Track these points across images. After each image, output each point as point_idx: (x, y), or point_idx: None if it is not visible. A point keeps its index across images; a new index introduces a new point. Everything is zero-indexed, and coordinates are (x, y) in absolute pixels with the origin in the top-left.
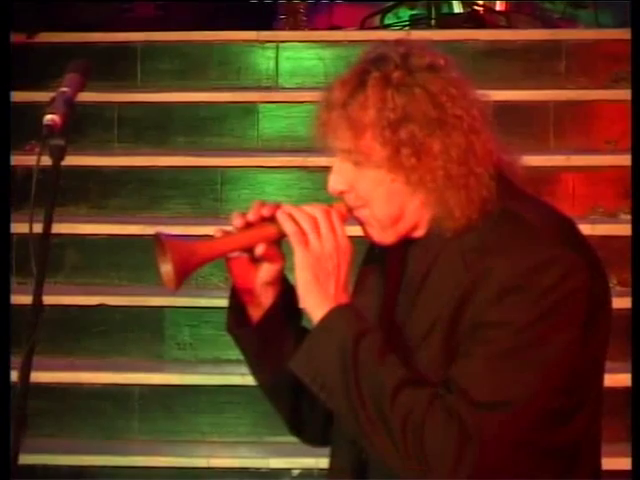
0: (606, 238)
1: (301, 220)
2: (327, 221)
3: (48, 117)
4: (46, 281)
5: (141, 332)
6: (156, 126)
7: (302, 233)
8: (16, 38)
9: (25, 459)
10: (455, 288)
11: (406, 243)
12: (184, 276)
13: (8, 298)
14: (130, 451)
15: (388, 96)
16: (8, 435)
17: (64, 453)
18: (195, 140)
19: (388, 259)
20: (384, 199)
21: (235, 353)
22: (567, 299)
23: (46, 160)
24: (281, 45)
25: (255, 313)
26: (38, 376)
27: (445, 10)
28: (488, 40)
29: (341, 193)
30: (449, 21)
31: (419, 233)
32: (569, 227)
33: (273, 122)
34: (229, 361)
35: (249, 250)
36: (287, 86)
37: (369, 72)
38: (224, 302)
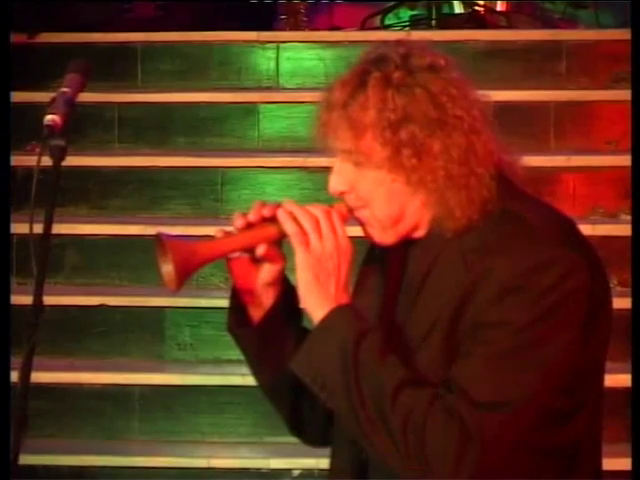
0: (606, 238)
1: (302, 220)
2: (328, 221)
3: (48, 117)
4: (46, 281)
5: (141, 332)
6: (156, 126)
7: (303, 233)
8: (17, 38)
9: (25, 459)
10: (455, 288)
11: (406, 243)
12: (185, 276)
13: (8, 298)
14: (130, 451)
15: (388, 96)
16: (8, 435)
17: (64, 453)
18: (195, 140)
19: (388, 259)
20: (385, 199)
21: (236, 353)
22: (567, 299)
23: (46, 160)
24: (281, 45)
25: (256, 313)
26: (38, 376)
27: (446, 10)
28: (488, 40)
29: (342, 194)
30: (450, 21)
31: (420, 233)
32: (569, 227)
33: (273, 122)
34: (230, 361)
35: (250, 250)
36: (288, 86)
37: (369, 72)
38: (225, 302)
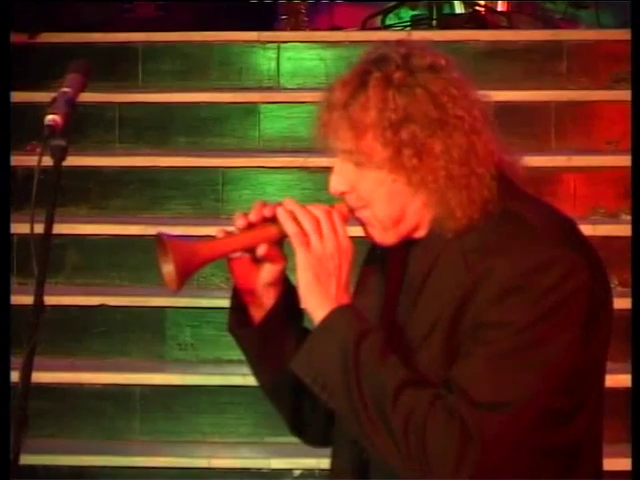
0: (607, 239)
1: (303, 221)
2: (328, 222)
3: (49, 117)
4: (47, 281)
5: (142, 332)
6: (157, 126)
7: (303, 234)
8: (17, 38)
9: (26, 459)
10: (456, 288)
11: (407, 244)
12: (186, 277)
13: (8, 299)
14: (131, 451)
15: (389, 97)
16: (8, 435)
17: (65, 453)
18: (196, 140)
19: (389, 259)
20: (385, 200)
21: (236, 353)
22: (568, 299)
23: (47, 160)
24: (282, 45)
25: (257, 314)
26: (39, 376)
27: (446, 10)
28: (489, 40)
29: (342, 194)
30: (450, 21)
31: (420, 234)
32: (570, 227)
33: (274, 122)
34: (230, 361)
35: (251, 251)
36: (288, 86)
37: (370, 73)
38: (225, 302)
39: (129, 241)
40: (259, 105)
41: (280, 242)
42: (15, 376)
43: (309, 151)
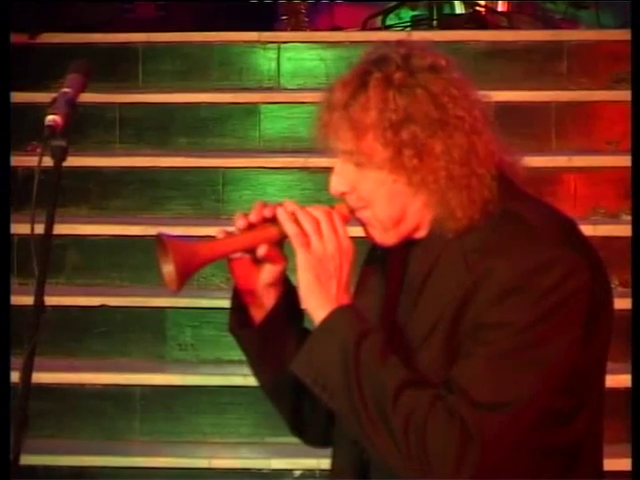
0: (607, 239)
1: (303, 221)
2: (329, 222)
3: (49, 118)
4: (47, 282)
5: (142, 333)
6: (157, 127)
7: (304, 234)
8: (17, 38)
9: (26, 460)
10: (457, 289)
11: (408, 244)
12: (186, 277)
13: (8, 299)
14: (131, 452)
15: (390, 97)
16: (8, 436)
17: (65, 454)
18: (196, 141)
19: (390, 260)
20: (386, 200)
21: (237, 354)
22: (568, 299)
23: (47, 161)
24: (282, 46)
25: (257, 314)
26: (39, 377)
27: (447, 11)
28: (490, 41)
29: (343, 194)
30: (451, 22)
31: (421, 234)
32: (570, 228)
33: (275, 123)
34: (231, 362)
35: (251, 251)
36: (289, 87)
37: (370, 73)
38: (226, 303)
39: (129, 241)
40: (259, 105)
41: (280, 243)
42: (15, 376)
43: (309, 151)
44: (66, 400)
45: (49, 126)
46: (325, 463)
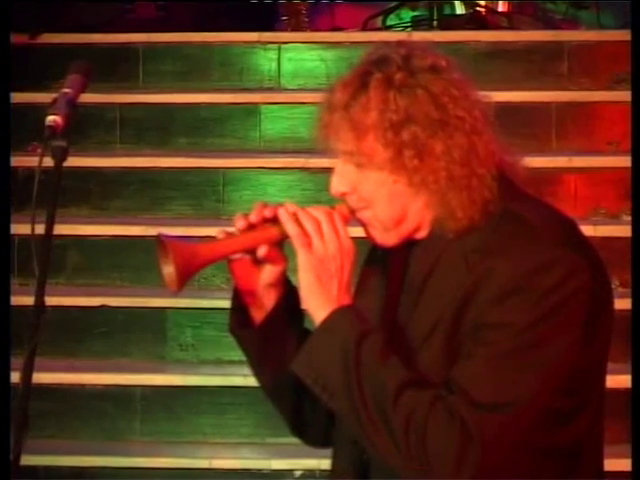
0: (608, 239)
1: (304, 222)
2: (330, 223)
3: (50, 118)
4: (48, 282)
5: (143, 333)
6: (158, 127)
7: (305, 235)
8: (18, 39)
9: (27, 460)
10: (457, 289)
11: (408, 244)
12: (186, 278)
13: (8, 299)
14: (132, 452)
15: (390, 98)
16: (9, 436)
17: (66, 454)
18: (197, 141)
19: (390, 260)
20: (386, 200)
21: (237, 354)
22: (569, 300)
23: (48, 161)
24: (283, 46)
25: (257, 314)
26: (40, 377)
27: (447, 11)
28: (490, 41)
29: (343, 195)
30: (451, 22)
31: (421, 234)
32: (571, 228)
33: (275, 123)
34: (231, 362)
35: (251, 252)
36: (289, 87)
37: (371, 74)
38: (226, 303)
39: (130, 242)
40: (260, 106)
41: (280, 243)
42: (16, 377)
43: (310, 152)
44: (66, 400)
45: (49, 126)
46: (325, 463)
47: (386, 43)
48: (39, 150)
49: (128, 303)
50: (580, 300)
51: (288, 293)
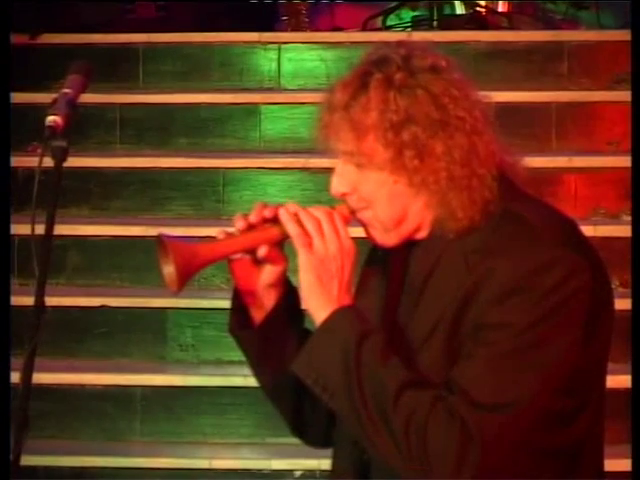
0: (608, 239)
1: (304, 222)
2: (330, 223)
3: (50, 118)
4: (48, 282)
5: (143, 333)
6: (158, 127)
7: (306, 235)
8: (18, 39)
9: (27, 460)
10: (457, 289)
11: (409, 244)
12: (186, 278)
13: (8, 299)
14: (132, 452)
15: (390, 98)
16: (9, 436)
17: (66, 454)
18: (197, 141)
19: (391, 260)
20: (387, 201)
21: (237, 354)
22: (569, 300)
23: (48, 161)
24: (283, 46)
25: (257, 315)
26: (40, 377)
27: (447, 11)
28: (490, 41)
29: (343, 195)
30: (451, 22)
31: (422, 235)
32: (571, 228)
33: (275, 123)
34: (231, 362)
35: (251, 252)
36: (289, 87)
37: (371, 74)
38: (226, 303)
39: (130, 242)
40: (260, 106)
41: (280, 243)
42: (16, 377)
43: (310, 152)
44: (67, 401)
45: (50, 127)
46: (326, 464)
47: (386, 43)
48: (39, 150)
49: (128, 303)
50: (580, 300)
51: (288, 293)
